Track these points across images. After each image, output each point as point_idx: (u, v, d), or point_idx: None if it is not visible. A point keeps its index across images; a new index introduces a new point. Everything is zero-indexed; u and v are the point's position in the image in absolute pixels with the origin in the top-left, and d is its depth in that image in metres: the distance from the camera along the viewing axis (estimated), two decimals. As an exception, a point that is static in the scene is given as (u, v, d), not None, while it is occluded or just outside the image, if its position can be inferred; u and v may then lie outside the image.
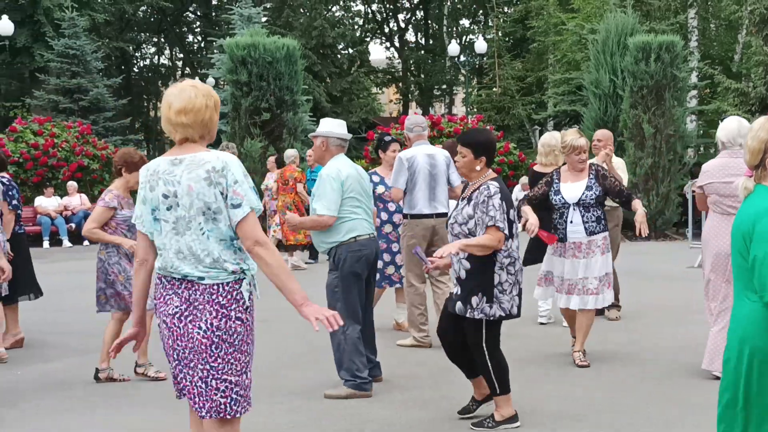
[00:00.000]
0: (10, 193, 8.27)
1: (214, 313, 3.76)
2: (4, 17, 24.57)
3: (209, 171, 3.73)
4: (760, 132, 3.54)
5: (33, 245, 13.90)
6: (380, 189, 8.72)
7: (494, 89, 35.36)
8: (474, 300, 5.49)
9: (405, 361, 7.71)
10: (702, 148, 23.13)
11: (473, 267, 5.51)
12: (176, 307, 3.80)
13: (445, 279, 8.07)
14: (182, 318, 3.79)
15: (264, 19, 25.43)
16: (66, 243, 19.43)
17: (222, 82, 32.04)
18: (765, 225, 3.37)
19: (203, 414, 3.81)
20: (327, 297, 6.48)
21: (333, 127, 6.58)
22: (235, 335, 3.79)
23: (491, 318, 5.52)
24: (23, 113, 28.34)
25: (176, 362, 3.86)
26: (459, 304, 5.55)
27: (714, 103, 23.74)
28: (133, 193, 7.14)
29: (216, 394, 3.78)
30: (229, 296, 3.79)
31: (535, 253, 7.93)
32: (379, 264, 8.71)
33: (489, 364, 5.59)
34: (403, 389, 6.76)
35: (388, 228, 8.75)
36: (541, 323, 9.13)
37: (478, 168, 5.59)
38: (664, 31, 21.57)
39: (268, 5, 35.03)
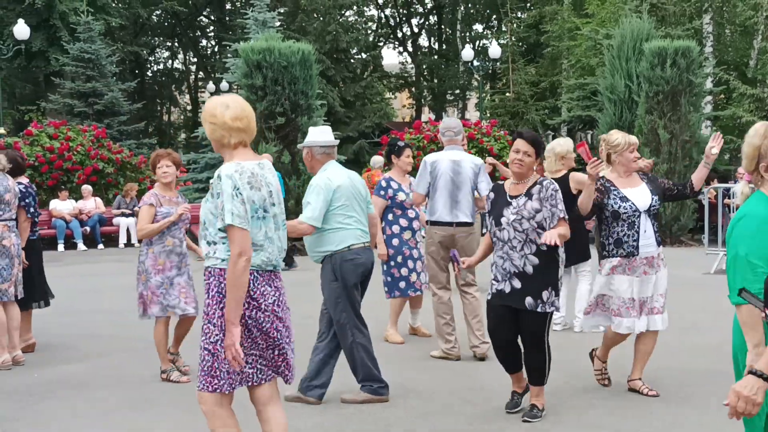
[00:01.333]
0: (26, 200, 8.27)
1: (286, 296, 4.42)
2: (20, 21, 24.67)
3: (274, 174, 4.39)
4: (754, 138, 3.57)
5: (47, 248, 13.96)
6: (400, 196, 8.66)
7: (507, 94, 35.29)
8: (545, 294, 5.80)
9: (420, 367, 7.70)
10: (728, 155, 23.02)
11: (541, 262, 5.80)
12: (272, 296, 4.29)
13: (472, 290, 7.87)
14: (279, 304, 4.32)
15: (278, 23, 25.42)
16: (81, 246, 19.49)
17: (235, 87, 32.12)
18: (738, 229, 3.46)
19: (291, 377, 4.46)
20: (330, 309, 6.43)
21: (315, 136, 6.50)
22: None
23: (557, 311, 5.96)
24: (38, 117, 28.46)
25: (266, 348, 4.33)
26: (529, 299, 5.80)
27: (729, 108, 23.67)
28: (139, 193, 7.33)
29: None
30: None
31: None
32: (403, 272, 8.69)
33: (546, 355, 5.94)
34: (421, 395, 6.75)
35: (407, 235, 8.65)
36: (554, 330, 9.06)
37: (535, 167, 5.97)
38: (680, 37, 21.54)
39: (282, 10, 35.05)
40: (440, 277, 7.92)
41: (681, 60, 18.31)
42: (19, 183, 8.34)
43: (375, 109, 39.48)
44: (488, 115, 33.35)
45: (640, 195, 6.42)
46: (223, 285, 4.15)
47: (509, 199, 5.93)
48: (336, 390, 6.61)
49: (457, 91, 47.69)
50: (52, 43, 29.81)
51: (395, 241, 8.66)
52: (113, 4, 33.13)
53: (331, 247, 6.30)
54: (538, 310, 5.80)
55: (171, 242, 7.27)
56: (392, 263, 8.69)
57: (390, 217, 8.72)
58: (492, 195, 6.12)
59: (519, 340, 6.07)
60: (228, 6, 46.45)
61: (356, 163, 33.11)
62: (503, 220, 5.88)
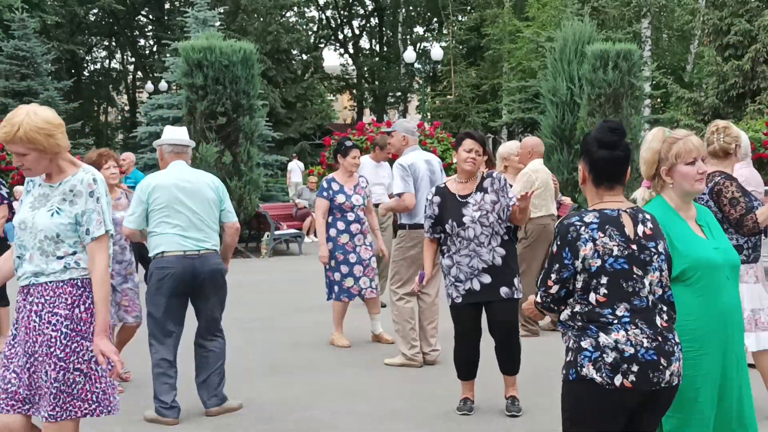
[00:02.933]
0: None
1: None
2: (-48, 17, 24.02)
3: None
4: (653, 143, 3.65)
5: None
6: (340, 198, 8.52)
7: (449, 96, 35.40)
8: (515, 281, 5.97)
9: (368, 371, 7.59)
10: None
11: (508, 253, 5.96)
12: None
13: (429, 290, 7.53)
14: None
15: (218, 23, 25.11)
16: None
17: (175, 86, 31.65)
18: None
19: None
20: None
21: (166, 134, 6.30)
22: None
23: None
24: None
25: None
26: (504, 289, 5.92)
27: (668, 112, 24.00)
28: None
29: None
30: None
31: None
32: (336, 276, 8.53)
33: (519, 343, 6.09)
34: (369, 399, 6.63)
35: (344, 238, 8.50)
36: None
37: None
38: (620, 40, 21.74)
39: (222, 9, 34.64)
40: (411, 282, 7.55)
41: (623, 63, 18.44)
42: None
43: (316, 110, 39.31)
44: (429, 117, 33.40)
45: None
46: (92, 295, 3.92)
47: (461, 199, 5.99)
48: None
49: (399, 94, 47.72)
50: (-16, 41, 29.07)
51: (330, 245, 8.52)
52: (49, 2, 32.36)
53: (150, 252, 6.07)
54: (515, 296, 5.95)
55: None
56: (327, 266, 8.57)
57: (329, 219, 8.57)
58: (437, 199, 6.07)
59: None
60: (167, 5, 45.82)
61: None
62: (466, 219, 5.90)
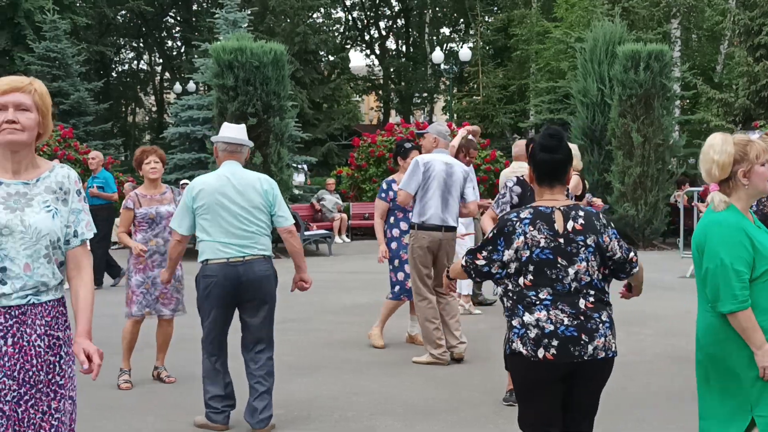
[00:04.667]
0: None
1: None
2: (-16, 19, 24.23)
3: None
4: (726, 146, 3.70)
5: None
6: None
7: (475, 97, 35.30)
8: None
9: (401, 373, 7.57)
10: (692, 158, 23.10)
11: None
12: None
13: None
14: None
15: (247, 24, 25.15)
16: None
17: (202, 87, 31.81)
18: (712, 238, 3.65)
19: None
20: None
21: (222, 131, 6.04)
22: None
23: None
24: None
25: None
26: None
27: (698, 113, 23.80)
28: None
29: None
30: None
31: None
32: (399, 276, 8.52)
33: None
34: (405, 402, 6.62)
35: (407, 239, 8.39)
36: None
37: None
38: (651, 41, 21.59)
39: (249, 11, 34.72)
40: (426, 281, 7.79)
41: (654, 63, 18.34)
42: None
43: (343, 111, 39.31)
44: (455, 118, 33.33)
45: None
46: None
47: None
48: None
49: (425, 94, 47.63)
50: (16, 42, 29.26)
51: (393, 245, 8.56)
52: (79, 3, 32.55)
53: (199, 257, 5.85)
54: None
55: (154, 242, 7.15)
56: (390, 266, 8.59)
57: (391, 219, 8.62)
58: (518, 189, 6.17)
59: None
60: (195, 7, 46.00)
61: (325, 165, 32.93)
62: None
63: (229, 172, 5.82)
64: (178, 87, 38.91)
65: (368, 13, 50.08)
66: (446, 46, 45.96)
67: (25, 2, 28.91)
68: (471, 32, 41.43)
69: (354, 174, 22.82)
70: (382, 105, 49.13)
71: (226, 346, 5.97)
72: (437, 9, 46.44)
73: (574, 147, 9.24)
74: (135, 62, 51.60)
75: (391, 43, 51.20)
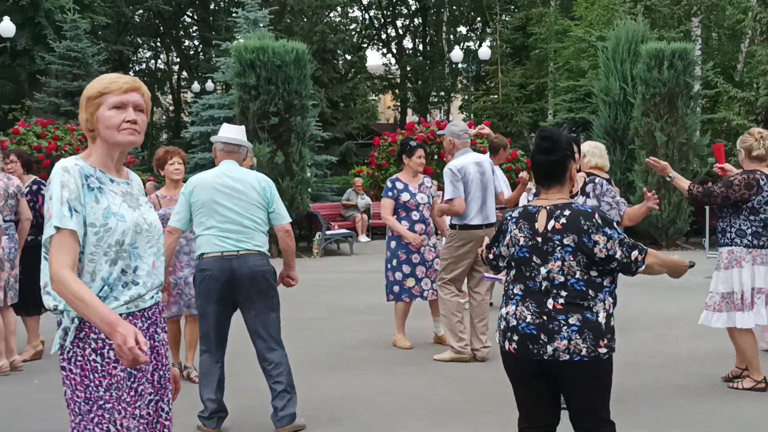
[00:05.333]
0: (36, 198, 8.21)
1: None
2: (6, 19, 24.28)
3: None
4: None
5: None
6: (405, 196, 8.53)
7: (492, 96, 35.21)
8: None
9: (428, 373, 7.53)
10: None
11: None
12: None
13: (480, 288, 7.90)
14: None
15: (266, 23, 25.18)
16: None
17: (220, 86, 31.84)
18: None
19: None
20: None
21: (221, 131, 6.11)
22: (63, 388, 3.11)
23: None
24: (23, 116, 28.05)
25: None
26: None
27: (720, 111, 23.64)
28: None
29: None
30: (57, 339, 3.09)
31: None
32: (398, 276, 8.51)
33: None
34: (432, 402, 6.57)
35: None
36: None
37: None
38: (673, 39, 21.46)
39: (268, 10, 34.77)
40: (461, 277, 7.90)
41: (678, 62, 18.22)
42: (39, 180, 8.23)
43: (361, 110, 39.30)
44: (472, 116, 33.24)
45: None
46: None
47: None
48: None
49: (442, 93, 47.57)
50: (37, 42, 29.35)
51: (393, 244, 8.54)
52: (98, 3, 32.60)
53: (195, 253, 5.97)
54: None
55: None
56: (388, 266, 8.56)
57: (394, 218, 8.58)
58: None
59: None
60: (212, 6, 46.07)
61: (343, 164, 32.90)
62: None
63: (226, 169, 5.90)
64: (196, 86, 39.01)
65: (385, 12, 50.05)
66: (463, 45, 45.88)
67: (45, 2, 29.01)
68: (488, 31, 41.29)
69: (374, 173, 22.79)
70: (399, 104, 49.09)
71: (224, 345, 5.92)
72: (454, 8, 46.35)
73: (600, 146, 9.23)
74: (152, 61, 51.75)
75: (407, 42, 51.19)
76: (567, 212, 3.82)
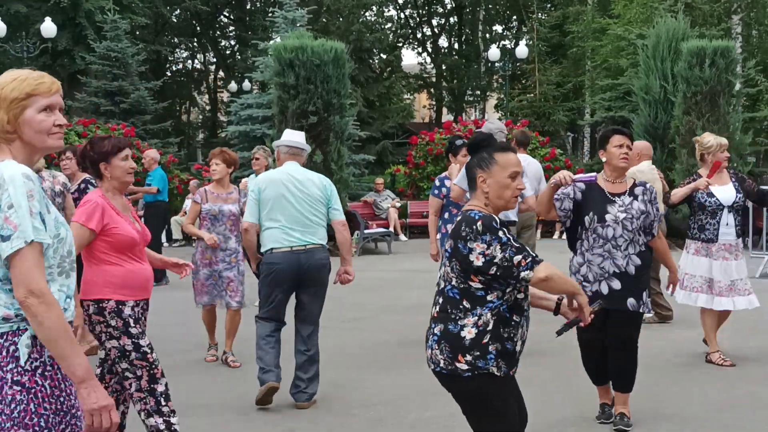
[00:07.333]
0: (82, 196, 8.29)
1: None
2: (47, 20, 24.54)
3: None
4: None
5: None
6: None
7: (529, 95, 35.04)
8: (644, 295, 5.68)
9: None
10: (755, 158, 22.70)
11: (644, 263, 5.67)
12: None
13: None
14: None
15: (305, 22, 25.25)
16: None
17: (257, 86, 31.94)
18: None
19: None
20: None
21: (284, 136, 6.77)
22: (13, 405, 2.77)
23: (649, 312, 5.90)
24: (64, 115, 28.35)
25: None
26: (632, 300, 5.62)
27: (762, 110, 23.37)
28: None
29: None
30: (2, 352, 2.80)
31: None
32: None
33: (636, 359, 5.79)
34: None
35: None
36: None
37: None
38: (714, 37, 21.24)
39: (306, 10, 34.87)
40: None
41: (720, 60, 18.00)
42: (89, 179, 8.36)
43: (396, 109, 39.27)
44: (508, 115, 33.12)
45: (725, 192, 7.35)
46: None
47: (610, 197, 5.68)
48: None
49: (477, 92, 47.44)
50: (77, 42, 29.65)
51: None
52: (138, 3, 32.89)
53: (263, 247, 6.44)
54: (640, 310, 5.68)
55: (216, 239, 7.79)
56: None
57: (446, 215, 8.57)
58: (582, 186, 5.74)
59: None
60: (248, 6, 46.27)
61: (380, 163, 32.88)
62: (608, 216, 5.60)
63: (291, 169, 6.48)
64: (233, 86, 39.20)
65: (420, 11, 49.99)
66: (499, 44, 45.70)
67: (86, 2, 29.31)
68: (524, 29, 41.11)
69: (412, 172, 22.79)
70: (434, 103, 49.05)
71: (283, 317, 6.49)
72: (490, 6, 46.21)
73: (645, 144, 9.22)
74: (189, 61, 52.09)
75: (443, 41, 51.07)
76: (458, 218, 3.74)
